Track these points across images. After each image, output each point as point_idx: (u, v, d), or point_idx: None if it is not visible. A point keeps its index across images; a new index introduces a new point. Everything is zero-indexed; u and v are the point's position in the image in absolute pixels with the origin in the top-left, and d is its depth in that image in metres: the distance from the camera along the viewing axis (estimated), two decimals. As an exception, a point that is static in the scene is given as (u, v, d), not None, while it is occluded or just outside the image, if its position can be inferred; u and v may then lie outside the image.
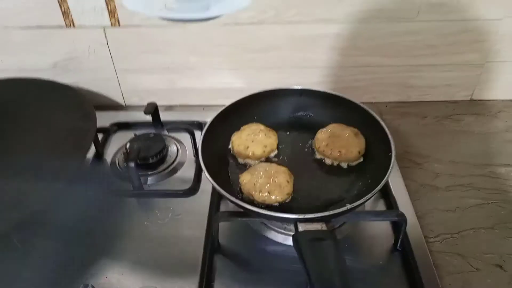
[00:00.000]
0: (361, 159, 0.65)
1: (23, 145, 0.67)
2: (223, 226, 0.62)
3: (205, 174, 0.56)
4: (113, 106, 0.92)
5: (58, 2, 0.77)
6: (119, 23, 0.79)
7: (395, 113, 0.88)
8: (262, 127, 0.69)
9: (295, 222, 0.51)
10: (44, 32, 0.81)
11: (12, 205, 0.57)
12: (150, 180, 0.72)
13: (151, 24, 0.79)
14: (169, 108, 0.92)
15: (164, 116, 0.84)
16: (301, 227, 0.50)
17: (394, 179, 0.70)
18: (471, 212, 0.67)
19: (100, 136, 0.79)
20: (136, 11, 0.77)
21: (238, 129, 0.69)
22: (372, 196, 0.53)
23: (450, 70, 0.85)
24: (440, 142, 0.80)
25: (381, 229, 0.63)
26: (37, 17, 0.79)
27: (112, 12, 0.78)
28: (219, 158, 0.66)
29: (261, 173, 0.59)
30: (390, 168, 0.56)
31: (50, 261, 0.59)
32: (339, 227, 0.62)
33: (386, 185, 0.68)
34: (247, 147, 0.65)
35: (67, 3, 0.77)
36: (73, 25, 0.80)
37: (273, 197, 0.57)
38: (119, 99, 0.92)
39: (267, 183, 0.58)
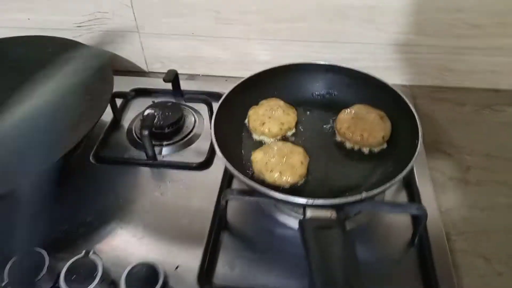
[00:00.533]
0: (385, 145, 0.60)
1: (37, 100, 0.66)
2: (233, 204, 0.60)
3: (216, 149, 0.53)
4: (136, 71, 0.90)
5: (83, -41, 0.74)
6: (144, -16, 0.76)
7: (430, 98, 0.82)
8: (281, 103, 0.65)
9: (304, 207, 0.48)
10: (69, -10, 0.79)
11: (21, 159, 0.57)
12: (165, 150, 0.71)
13: (176, -14, 0.76)
14: (191, 77, 0.89)
15: (185, 85, 0.81)
16: (310, 213, 0.47)
17: (420, 169, 0.65)
18: (501, 212, 0.61)
19: (119, 101, 0.77)
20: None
21: (256, 103, 0.65)
22: (389, 186, 0.49)
23: (496, 54, 0.78)
24: (476, 133, 0.74)
25: (400, 221, 0.58)
26: (62, -26, 0.77)
27: (136, -28, 0.75)
28: (234, 133, 0.63)
29: (274, 152, 0.56)
30: (414, 157, 0.51)
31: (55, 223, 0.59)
32: (355, 216, 0.58)
33: (410, 176, 0.63)
34: (263, 123, 0.62)
35: (91, -40, 0.74)
36: (98, -16, 0.77)
37: (284, 178, 0.54)
38: (141, 64, 0.90)
39: (279, 162, 0.54)
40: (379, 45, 0.79)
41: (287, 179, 0.54)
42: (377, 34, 0.78)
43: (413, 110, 0.57)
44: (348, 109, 0.63)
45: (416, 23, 0.75)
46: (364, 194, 0.47)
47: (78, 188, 0.64)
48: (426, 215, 0.52)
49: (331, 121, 0.65)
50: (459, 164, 0.69)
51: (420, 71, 0.82)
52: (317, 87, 0.68)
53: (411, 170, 0.63)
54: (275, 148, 0.57)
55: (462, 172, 0.67)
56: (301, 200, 0.47)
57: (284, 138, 0.63)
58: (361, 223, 0.59)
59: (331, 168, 0.58)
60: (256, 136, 0.64)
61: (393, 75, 0.83)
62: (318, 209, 0.47)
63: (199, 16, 0.80)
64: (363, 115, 0.61)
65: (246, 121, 0.65)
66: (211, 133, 0.56)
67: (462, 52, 0.78)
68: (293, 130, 0.64)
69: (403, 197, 0.63)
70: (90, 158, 0.69)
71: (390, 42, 0.78)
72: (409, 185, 0.63)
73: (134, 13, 0.80)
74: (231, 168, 0.51)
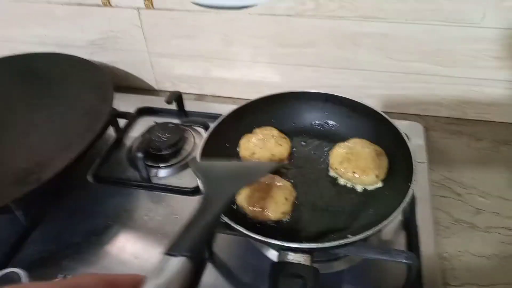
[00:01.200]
0: (380, 184, 0.56)
1: (41, 116, 0.68)
2: (221, 235, 0.59)
3: (197, 179, 0.52)
4: (146, 89, 0.91)
5: (96, -20, 0.76)
6: (152, 5, 0.77)
7: (445, 130, 0.77)
8: (275, 132, 0.63)
9: (278, 248, 0.45)
10: (83, 9, 0.81)
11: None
12: (162, 172, 0.70)
13: (184, 8, 0.76)
14: (200, 97, 0.89)
15: (192, 105, 0.81)
16: (283, 256, 0.44)
17: (423, 209, 0.61)
18: (510, 263, 0.56)
19: (123, 120, 0.78)
20: (169, -6, 0.74)
21: (250, 131, 0.64)
22: (374, 233, 0.45)
23: (518, 88, 0.72)
24: (491, 172, 0.68)
25: (394, 264, 0.55)
26: (77, -7, 0.79)
27: (146, -6, 0.75)
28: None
29: (259, 185, 0.54)
30: (404, 202, 0.47)
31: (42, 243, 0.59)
32: (344, 257, 0.55)
33: (410, 215, 0.59)
34: (253, 153, 0.60)
35: (104, -19, 0.76)
36: (110, 4, 0.79)
37: (266, 214, 0.52)
38: (152, 82, 0.90)
39: (263, 197, 0.52)
40: (391, 73, 0.75)
41: (269, 215, 0.52)
42: (389, 62, 0.74)
43: (410, 147, 0.54)
44: (344, 143, 0.59)
45: (431, 53, 0.71)
46: (342, 241, 0.44)
47: (70, 207, 0.65)
48: (416, 266, 0.49)
49: (326, 153, 0.62)
50: (468, 206, 0.64)
51: (435, 101, 0.78)
52: (316, 117, 0.65)
53: (412, 211, 0.60)
54: (261, 181, 0.55)
55: (471, 215, 0.62)
56: (275, 242, 0.44)
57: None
58: (353, 263, 0.55)
59: (320, 205, 0.55)
60: (247, 166, 0.62)
61: (407, 104, 0.79)
62: (293, 252, 0.44)
63: (208, 39, 0.79)
64: (358, 150, 0.57)
65: (238, 149, 0.63)
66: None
67: (482, 84, 0.73)
68: (284, 162, 0.61)
69: (401, 238, 0.59)
70: (87, 177, 0.69)
71: (403, 71, 0.75)
72: (409, 226, 0.59)
73: (143, 33, 0.81)
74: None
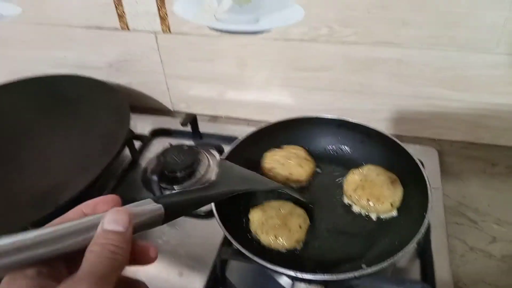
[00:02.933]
0: (394, 213, 0.56)
1: (57, 138, 0.70)
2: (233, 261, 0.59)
3: (213, 209, 0.52)
4: (162, 110, 0.93)
5: (115, 4, 0.78)
6: (170, 29, 0.79)
7: (459, 155, 0.76)
8: (302, 153, 0.63)
9: (292, 278, 0.45)
10: (102, 33, 0.83)
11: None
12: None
13: (200, 33, 0.77)
14: (214, 118, 0.90)
15: (206, 126, 0.82)
16: (297, 286, 0.44)
17: (438, 237, 0.61)
18: (528, 294, 0.55)
19: (138, 142, 0.79)
20: (186, 19, 0.76)
21: (263, 154, 0.64)
22: (388, 265, 0.45)
23: (535, 113, 0.72)
24: (507, 198, 0.68)
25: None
26: (96, 18, 0.81)
27: (163, 19, 0.77)
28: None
29: (273, 212, 0.54)
30: (419, 234, 0.47)
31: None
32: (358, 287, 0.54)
33: (425, 244, 0.59)
34: (273, 168, 0.60)
35: (122, 6, 0.78)
36: (128, 28, 0.81)
37: (280, 242, 0.52)
38: (167, 104, 0.92)
39: (276, 225, 0.52)
40: (405, 97, 0.76)
41: (283, 243, 0.52)
42: (403, 87, 0.74)
43: (426, 176, 0.53)
44: (358, 170, 0.59)
45: (446, 78, 0.71)
46: (357, 272, 0.44)
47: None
48: (432, 297, 0.48)
49: (340, 179, 0.62)
50: (483, 234, 0.63)
51: (450, 125, 0.77)
52: (330, 141, 0.65)
53: (427, 238, 0.59)
54: (275, 207, 0.55)
55: (486, 244, 0.61)
56: (289, 272, 0.44)
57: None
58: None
59: (334, 233, 0.55)
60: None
61: (421, 128, 0.79)
62: (307, 283, 0.44)
63: (223, 62, 0.81)
64: (372, 177, 0.57)
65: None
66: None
67: (498, 108, 0.73)
68: (302, 184, 0.61)
69: (416, 267, 0.58)
70: (103, 198, 0.70)
71: (417, 95, 0.75)
72: (423, 253, 0.59)
73: (160, 57, 0.83)
74: (222, 228, 0.50)
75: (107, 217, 0.29)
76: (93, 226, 0.29)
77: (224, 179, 0.49)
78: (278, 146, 0.65)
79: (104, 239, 0.28)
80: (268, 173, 0.61)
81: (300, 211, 0.55)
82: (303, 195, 0.58)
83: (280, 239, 0.51)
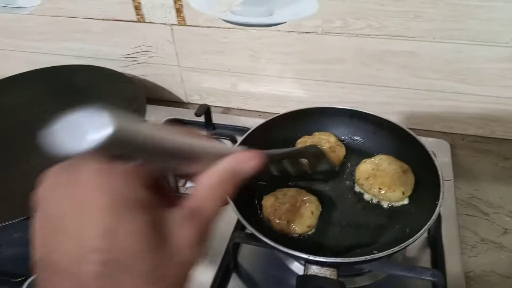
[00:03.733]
0: (406, 201, 0.57)
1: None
2: (246, 246, 0.60)
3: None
4: (176, 101, 0.94)
5: (131, -3, 0.79)
6: (185, 22, 0.80)
7: (471, 148, 0.77)
8: (332, 139, 0.64)
9: (305, 261, 0.46)
10: (118, 25, 0.85)
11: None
12: (190, 183, 0.72)
13: (215, 25, 0.78)
14: (227, 110, 0.91)
15: (219, 118, 0.83)
16: (309, 269, 0.45)
17: (449, 228, 0.61)
18: (538, 285, 0.55)
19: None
20: (201, 11, 0.78)
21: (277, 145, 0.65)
22: (399, 250, 0.45)
23: (548, 107, 0.72)
24: (519, 192, 0.68)
25: (418, 282, 0.55)
26: (113, 10, 0.83)
27: (179, 11, 0.79)
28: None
29: (285, 199, 0.55)
30: (431, 220, 0.47)
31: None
32: (368, 272, 0.55)
33: (436, 233, 0.59)
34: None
35: (139, -2, 0.79)
36: (144, 20, 0.82)
37: (292, 227, 0.53)
38: (181, 95, 0.93)
39: (289, 210, 0.53)
40: (417, 91, 0.76)
41: (295, 228, 0.53)
42: (415, 80, 0.75)
43: (437, 165, 0.54)
44: (370, 159, 0.60)
45: (458, 71, 0.72)
46: (369, 256, 0.44)
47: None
48: (443, 283, 0.49)
49: (352, 169, 0.63)
50: (495, 226, 0.63)
51: (462, 119, 0.78)
52: (342, 132, 0.66)
53: (438, 229, 0.60)
54: (288, 194, 0.56)
55: (498, 235, 0.62)
56: (302, 255, 0.45)
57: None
58: (377, 279, 0.56)
59: (346, 220, 0.56)
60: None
61: (433, 121, 0.80)
62: (319, 266, 0.45)
63: (236, 54, 0.82)
64: (384, 166, 0.58)
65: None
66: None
67: (509, 102, 0.73)
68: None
69: (426, 256, 0.59)
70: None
71: (429, 88, 0.75)
72: (434, 243, 0.59)
73: (175, 49, 0.84)
74: (235, 211, 0.51)
75: (243, 157, 0.28)
76: (220, 155, 0.27)
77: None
78: (286, 142, 0.66)
79: (231, 179, 0.26)
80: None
81: (312, 198, 0.56)
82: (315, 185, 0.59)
83: (293, 224, 0.52)
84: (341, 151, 0.63)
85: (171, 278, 0.23)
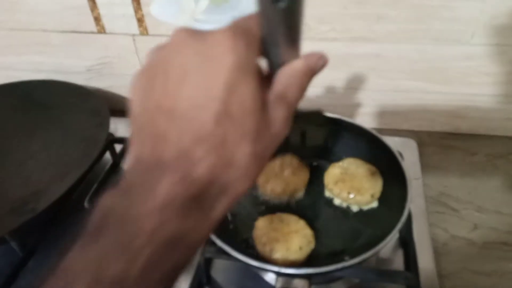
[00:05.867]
0: (375, 204, 0.57)
1: (37, 144, 0.69)
2: (220, 260, 0.58)
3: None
4: (143, 112, 0.92)
5: (90, 8, 0.77)
6: (147, 31, 0.78)
7: (438, 145, 0.78)
8: (294, 161, 0.61)
9: (276, 274, 0.45)
10: (78, 37, 0.82)
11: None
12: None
13: (178, 33, 0.77)
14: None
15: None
16: (281, 282, 0.44)
17: (420, 226, 0.61)
18: (510, 280, 0.56)
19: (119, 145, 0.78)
20: (163, 21, 0.76)
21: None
22: (371, 256, 0.45)
23: (510, 102, 0.73)
24: (487, 186, 0.69)
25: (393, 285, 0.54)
26: (72, 21, 0.80)
27: (140, 21, 0.77)
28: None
29: (276, 223, 0.53)
30: (401, 222, 0.47)
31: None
32: (342, 278, 0.55)
33: (407, 233, 0.59)
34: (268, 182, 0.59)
35: (98, 9, 0.77)
36: (105, 31, 0.80)
37: (274, 258, 0.49)
38: (148, 106, 0.91)
39: (276, 238, 0.51)
40: (384, 92, 0.76)
41: (277, 259, 0.49)
42: (381, 81, 0.75)
43: (403, 166, 0.54)
44: (338, 163, 0.60)
45: (423, 71, 0.72)
46: (340, 265, 0.44)
47: (67, 234, 0.65)
48: (416, 285, 0.48)
49: (321, 174, 0.62)
50: (464, 222, 0.64)
51: (428, 117, 0.78)
52: (310, 137, 0.66)
53: (409, 228, 0.60)
54: (284, 221, 0.54)
55: (468, 231, 0.62)
56: (272, 268, 0.44)
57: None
58: (352, 284, 0.55)
59: (317, 226, 0.55)
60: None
61: (401, 121, 0.80)
62: (292, 278, 0.44)
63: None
64: (352, 170, 0.58)
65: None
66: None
67: (474, 99, 0.74)
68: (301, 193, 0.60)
69: (399, 257, 0.59)
70: (85, 203, 0.69)
71: (395, 89, 0.76)
72: (406, 243, 0.59)
73: (139, 59, 0.82)
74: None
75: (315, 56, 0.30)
76: None
77: None
78: None
79: (307, 72, 0.29)
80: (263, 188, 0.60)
81: (307, 231, 0.53)
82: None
83: (275, 253, 0.49)
84: (305, 173, 0.61)
85: (265, 144, 0.26)
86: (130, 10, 0.75)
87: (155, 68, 0.27)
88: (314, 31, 0.71)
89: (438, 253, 0.59)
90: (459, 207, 0.66)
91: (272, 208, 0.58)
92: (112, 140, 0.73)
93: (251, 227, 0.55)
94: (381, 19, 0.68)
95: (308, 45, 0.72)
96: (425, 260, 0.57)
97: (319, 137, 0.50)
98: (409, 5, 0.66)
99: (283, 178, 0.59)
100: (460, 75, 0.72)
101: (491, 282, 0.56)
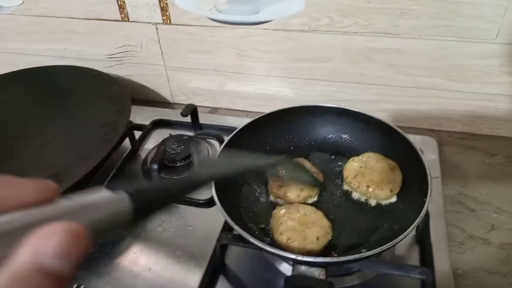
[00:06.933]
0: (394, 199, 0.56)
1: (57, 128, 0.70)
2: (234, 248, 0.59)
3: (213, 193, 0.52)
4: (162, 102, 0.93)
5: (115, -5, 0.78)
6: (170, 21, 0.79)
7: (458, 145, 0.77)
8: (307, 164, 0.60)
9: (293, 262, 0.45)
10: (102, 24, 0.83)
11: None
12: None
13: (200, 24, 0.77)
14: (214, 110, 0.90)
15: (206, 118, 0.82)
16: (297, 270, 0.44)
17: (437, 225, 0.61)
18: (527, 282, 0.55)
19: (139, 132, 0.79)
20: (187, 10, 0.76)
21: (265, 144, 0.64)
22: (388, 248, 0.45)
23: (534, 103, 0.72)
24: (505, 188, 0.68)
25: (407, 280, 0.54)
26: (96, 9, 0.81)
27: (164, 10, 0.77)
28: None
29: (297, 214, 0.53)
30: (419, 218, 0.47)
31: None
32: (357, 271, 0.55)
33: (424, 231, 0.59)
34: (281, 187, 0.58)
35: (123, -3, 0.78)
36: (128, 19, 0.81)
37: (291, 246, 0.49)
38: (167, 95, 0.92)
39: (293, 227, 0.51)
40: (404, 88, 0.76)
41: (293, 247, 0.49)
42: (401, 77, 0.75)
43: (425, 162, 0.54)
44: (358, 157, 0.60)
45: (444, 68, 0.72)
46: (357, 255, 0.44)
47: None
48: (431, 281, 0.48)
49: (340, 167, 0.62)
50: (482, 222, 0.63)
51: (448, 116, 0.78)
52: (330, 130, 0.66)
53: (426, 226, 0.59)
54: (301, 210, 0.54)
55: (485, 231, 0.62)
56: (290, 255, 0.45)
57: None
58: (366, 278, 0.55)
59: (334, 219, 0.55)
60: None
61: (420, 119, 0.80)
62: (308, 266, 0.45)
63: (222, 53, 0.81)
64: (372, 164, 0.57)
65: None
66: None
67: (495, 99, 0.73)
68: (315, 198, 0.58)
69: (415, 254, 0.59)
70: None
71: (415, 86, 0.75)
72: (423, 241, 0.59)
73: (161, 48, 0.83)
74: (223, 212, 0.50)
75: (50, 244, 0.18)
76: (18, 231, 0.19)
77: (207, 166, 0.43)
78: (275, 139, 0.65)
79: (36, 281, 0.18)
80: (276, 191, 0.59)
81: (325, 222, 0.53)
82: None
83: (294, 243, 0.49)
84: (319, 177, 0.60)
85: None
86: (154, -1, 0.76)
87: None
88: (337, 25, 0.71)
89: (454, 252, 0.59)
90: (477, 207, 0.65)
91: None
92: (132, 126, 0.74)
93: (268, 216, 0.55)
94: (405, 14, 0.67)
95: (330, 38, 0.73)
96: (441, 259, 0.57)
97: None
98: (434, 1, 0.65)
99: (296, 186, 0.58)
100: (482, 74, 0.71)
101: (507, 283, 0.55)
